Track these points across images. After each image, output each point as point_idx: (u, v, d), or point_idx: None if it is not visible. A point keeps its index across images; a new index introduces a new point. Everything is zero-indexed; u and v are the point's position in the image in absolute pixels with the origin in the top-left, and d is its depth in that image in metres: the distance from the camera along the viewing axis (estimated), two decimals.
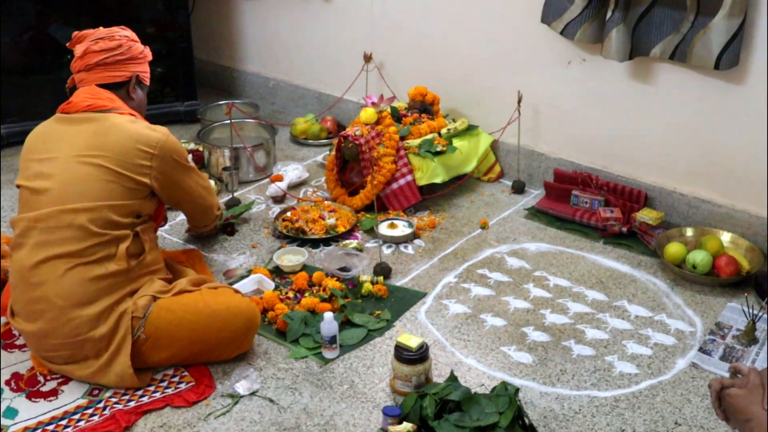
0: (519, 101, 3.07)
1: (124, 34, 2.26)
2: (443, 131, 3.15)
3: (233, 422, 2.02)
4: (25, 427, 1.99)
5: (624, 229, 2.81)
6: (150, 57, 2.33)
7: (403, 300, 2.50)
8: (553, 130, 3.14)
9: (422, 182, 3.01)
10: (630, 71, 2.84)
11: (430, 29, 3.35)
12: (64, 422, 2.00)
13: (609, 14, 2.67)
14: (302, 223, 2.87)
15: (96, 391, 2.10)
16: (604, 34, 2.71)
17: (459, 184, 3.16)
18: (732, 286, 2.55)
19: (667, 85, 2.77)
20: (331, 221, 2.87)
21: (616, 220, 2.82)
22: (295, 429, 2.00)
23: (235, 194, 3.10)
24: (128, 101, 2.25)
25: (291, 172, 3.25)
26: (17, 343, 2.28)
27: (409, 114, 3.20)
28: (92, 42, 2.19)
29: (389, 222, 2.90)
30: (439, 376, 2.16)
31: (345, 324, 2.36)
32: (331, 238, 2.83)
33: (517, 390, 1.93)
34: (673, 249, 2.62)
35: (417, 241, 2.84)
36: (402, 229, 2.86)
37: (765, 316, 2.35)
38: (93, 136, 2.09)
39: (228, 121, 3.07)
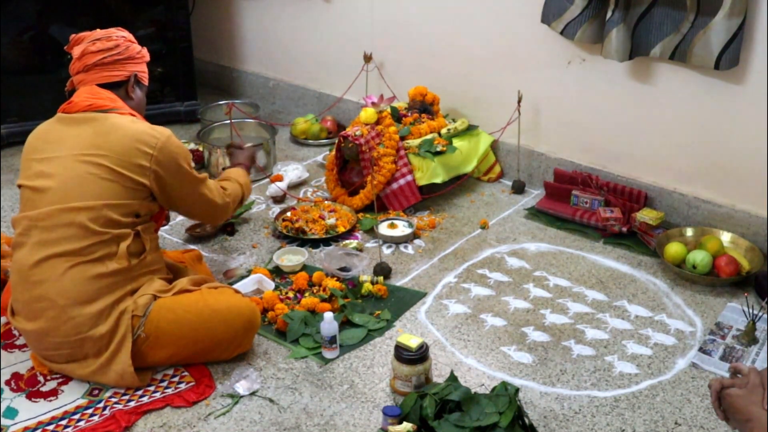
0: (519, 101, 3.07)
1: (121, 34, 2.26)
2: (443, 131, 3.15)
3: (233, 422, 2.02)
4: (25, 427, 1.99)
5: (624, 229, 2.81)
6: (147, 57, 2.33)
7: (403, 300, 2.50)
8: (553, 130, 3.14)
9: (422, 182, 3.01)
10: (630, 71, 2.84)
11: (430, 29, 3.35)
12: (64, 422, 2.00)
13: (609, 14, 2.67)
14: (302, 223, 2.87)
15: (96, 391, 2.10)
16: (604, 34, 2.71)
17: (459, 184, 3.16)
18: (732, 286, 2.55)
19: (667, 85, 2.77)
20: (331, 221, 2.87)
21: (616, 220, 2.82)
22: (295, 429, 2.00)
23: None
24: (127, 101, 2.25)
25: (291, 172, 3.25)
26: (17, 343, 2.28)
27: (409, 114, 3.19)
28: (90, 43, 2.19)
29: (389, 222, 2.90)
30: (439, 376, 2.16)
31: (345, 324, 2.36)
32: (331, 238, 2.83)
33: (517, 390, 1.93)
34: (673, 249, 2.61)
35: (417, 241, 2.84)
36: (402, 229, 2.86)
37: (765, 316, 2.35)
38: (94, 136, 2.09)
39: (228, 121, 3.07)
